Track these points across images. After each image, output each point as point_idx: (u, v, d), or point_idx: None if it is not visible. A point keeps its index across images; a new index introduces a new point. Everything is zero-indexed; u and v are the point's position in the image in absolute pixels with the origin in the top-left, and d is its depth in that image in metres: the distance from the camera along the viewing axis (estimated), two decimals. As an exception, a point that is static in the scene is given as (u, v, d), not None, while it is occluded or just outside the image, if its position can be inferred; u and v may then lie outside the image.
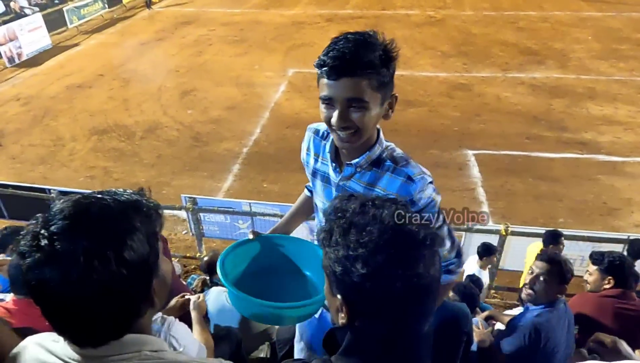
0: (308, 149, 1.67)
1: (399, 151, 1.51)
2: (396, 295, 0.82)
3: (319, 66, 1.31)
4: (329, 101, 1.34)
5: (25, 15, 14.43)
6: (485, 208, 6.51)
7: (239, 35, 14.07)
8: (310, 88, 10.12)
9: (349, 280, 0.83)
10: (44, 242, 0.81)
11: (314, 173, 1.65)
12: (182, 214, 6.30)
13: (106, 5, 17.00)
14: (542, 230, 4.69)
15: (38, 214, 0.88)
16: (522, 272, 4.52)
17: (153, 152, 8.27)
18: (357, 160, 1.47)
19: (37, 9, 15.17)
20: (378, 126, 1.48)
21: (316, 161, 1.63)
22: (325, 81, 1.31)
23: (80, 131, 9.09)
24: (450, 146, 7.95)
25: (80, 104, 10.27)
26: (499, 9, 15.44)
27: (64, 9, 15.32)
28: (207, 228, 5.72)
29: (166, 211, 6.52)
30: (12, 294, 2.30)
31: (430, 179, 1.44)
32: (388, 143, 1.52)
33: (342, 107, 1.32)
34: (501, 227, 4.76)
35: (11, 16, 14.71)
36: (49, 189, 5.67)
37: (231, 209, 5.48)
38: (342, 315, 0.87)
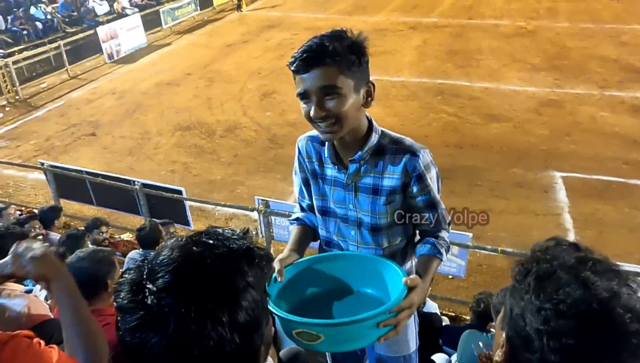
0: (309, 157, 1.64)
1: (394, 134, 1.56)
2: None
3: (291, 63, 1.37)
4: (305, 95, 1.38)
5: (126, 15, 15.53)
6: (571, 236, 6.00)
7: (321, 41, 14.16)
8: (388, 96, 9.96)
9: (522, 324, 0.77)
10: (150, 299, 0.70)
11: (322, 178, 1.63)
12: (254, 215, 6.39)
13: (198, 8, 17.90)
14: (639, 268, 4.21)
15: (138, 261, 0.78)
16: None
17: (231, 151, 8.51)
18: (359, 154, 1.50)
19: (136, 9, 16.29)
20: (369, 115, 1.52)
21: (320, 166, 1.62)
22: (298, 76, 1.37)
23: (166, 126, 9.57)
24: (535, 165, 7.44)
25: (167, 100, 10.84)
26: (598, 22, 14.35)
27: (160, 10, 16.32)
28: (277, 231, 5.74)
29: (239, 211, 6.68)
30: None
31: (428, 151, 1.52)
32: (382, 129, 1.56)
33: (317, 98, 1.35)
34: (591, 261, 4.32)
35: (114, 16, 15.92)
36: (134, 181, 5.97)
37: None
38: (500, 353, 0.83)
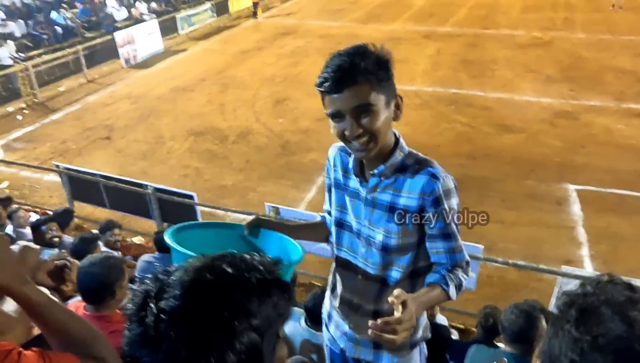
0: (335, 166, 1.68)
1: (421, 155, 1.54)
2: None
3: (321, 84, 1.35)
4: (337, 115, 1.37)
5: (144, 21, 15.76)
6: (585, 250, 5.92)
7: (335, 48, 13.55)
8: (401, 105, 9.94)
9: (557, 353, 0.75)
10: (149, 318, 0.70)
11: (344, 189, 1.64)
12: (264, 221, 6.42)
13: (214, 15, 18.10)
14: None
15: (158, 272, 0.77)
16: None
17: (242, 157, 8.56)
18: (380, 168, 1.49)
19: (154, 15, 16.52)
20: (397, 132, 1.52)
21: (344, 177, 1.63)
22: (329, 97, 1.36)
23: (179, 131, 9.66)
24: (548, 177, 7.37)
25: (181, 105, 10.95)
26: (615, 33, 14.22)
27: (177, 16, 16.54)
28: (286, 238, 5.75)
29: (249, 217, 6.67)
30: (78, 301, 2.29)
31: (452, 179, 1.48)
32: (409, 149, 1.54)
33: (352, 117, 1.35)
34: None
35: (132, 21, 16.16)
36: (146, 185, 6.02)
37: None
38: None
